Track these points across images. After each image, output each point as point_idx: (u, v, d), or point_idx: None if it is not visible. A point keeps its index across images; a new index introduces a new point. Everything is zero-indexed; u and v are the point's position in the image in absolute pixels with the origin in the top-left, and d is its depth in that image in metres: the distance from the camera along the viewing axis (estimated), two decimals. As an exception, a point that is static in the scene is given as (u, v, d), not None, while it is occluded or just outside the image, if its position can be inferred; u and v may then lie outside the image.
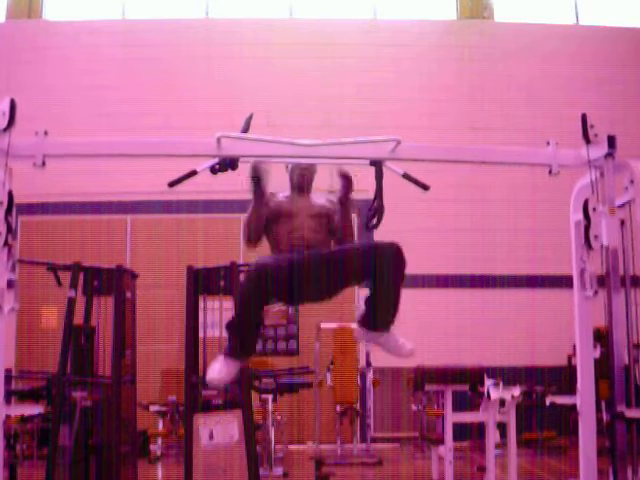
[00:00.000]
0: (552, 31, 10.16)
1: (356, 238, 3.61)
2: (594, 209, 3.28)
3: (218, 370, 3.27)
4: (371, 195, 3.56)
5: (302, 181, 3.60)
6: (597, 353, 3.51)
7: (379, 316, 3.30)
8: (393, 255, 3.17)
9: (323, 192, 3.70)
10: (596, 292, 3.32)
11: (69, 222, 9.25)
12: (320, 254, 3.35)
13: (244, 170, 3.53)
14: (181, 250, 8.96)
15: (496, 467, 5.53)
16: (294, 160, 3.59)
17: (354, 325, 3.48)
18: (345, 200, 3.49)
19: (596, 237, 3.27)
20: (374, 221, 3.50)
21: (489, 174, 8.91)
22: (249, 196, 3.45)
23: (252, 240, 3.46)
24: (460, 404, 5.95)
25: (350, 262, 3.25)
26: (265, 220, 3.47)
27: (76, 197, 9.23)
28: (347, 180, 3.45)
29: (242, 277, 3.27)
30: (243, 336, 3.27)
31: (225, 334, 5.23)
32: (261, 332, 3.71)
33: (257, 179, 3.36)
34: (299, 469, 7.28)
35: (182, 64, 9.69)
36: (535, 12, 10.46)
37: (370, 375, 8.32)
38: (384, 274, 3.17)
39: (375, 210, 3.49)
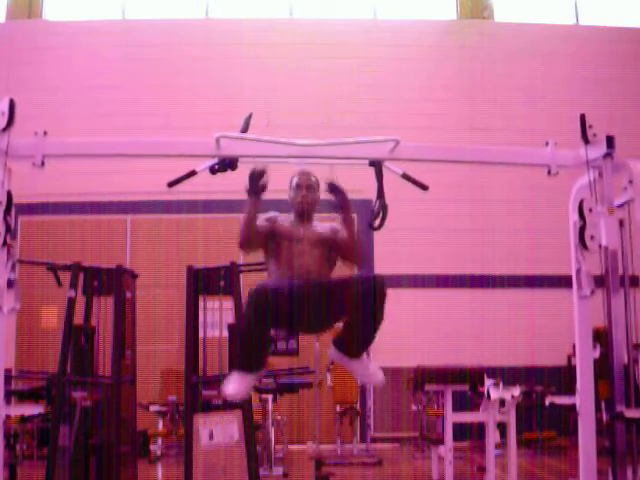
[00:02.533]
0: (552, 31, 10.15)
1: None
2: (590, 210, 3.28)
3: (233, 385, 3.33)
4: (369, 195, 3.55)
5: (303, 210, 3.58)
6: (597, 353, 3.51)
7: (354, 345, 3.32)
8: (380, 289, 3.19)
9: (328, 220, 3.68)
10: (592, 291, 3.32)
11: (69, 222, 9.24)
12: (318, 283, 3.35)
13: (244, 170, 3.54)
14: (181, 250, 8.96)
15: (496, 467, 5.53)
16: (293, 161, 3.59)
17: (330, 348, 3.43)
18: (344, 212, 3.47)
19: (592, 237, 3.28)
20: (378, 221, 3.50)
21: (488, 174, 8.91)
22: (246, 198, 3.42)
23: (245, 246, 3.45)
24: (460, 404, 5.95)
25: (347, 292, 3.23)
26: (259, 230, 3.45)
27: (76, 197, 9.22)
28: (338, 192, 3.44)
29: (245, 301, 3.26)
30: (252, 355, 3.31)
31: (226, 334, 5.25)
32: (271, 348, 3.80)
33: (255, 181, 3.36)
34: (299, 469, 7.27)
35: (182, 64, 9.68)
36: (535, 12, 10.45)
37: (370, 375, 8.30)
38: (369, 307, 3.19)
39: (378, 210, 3.49)
